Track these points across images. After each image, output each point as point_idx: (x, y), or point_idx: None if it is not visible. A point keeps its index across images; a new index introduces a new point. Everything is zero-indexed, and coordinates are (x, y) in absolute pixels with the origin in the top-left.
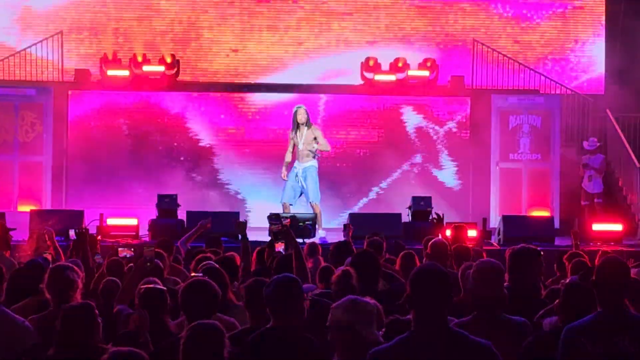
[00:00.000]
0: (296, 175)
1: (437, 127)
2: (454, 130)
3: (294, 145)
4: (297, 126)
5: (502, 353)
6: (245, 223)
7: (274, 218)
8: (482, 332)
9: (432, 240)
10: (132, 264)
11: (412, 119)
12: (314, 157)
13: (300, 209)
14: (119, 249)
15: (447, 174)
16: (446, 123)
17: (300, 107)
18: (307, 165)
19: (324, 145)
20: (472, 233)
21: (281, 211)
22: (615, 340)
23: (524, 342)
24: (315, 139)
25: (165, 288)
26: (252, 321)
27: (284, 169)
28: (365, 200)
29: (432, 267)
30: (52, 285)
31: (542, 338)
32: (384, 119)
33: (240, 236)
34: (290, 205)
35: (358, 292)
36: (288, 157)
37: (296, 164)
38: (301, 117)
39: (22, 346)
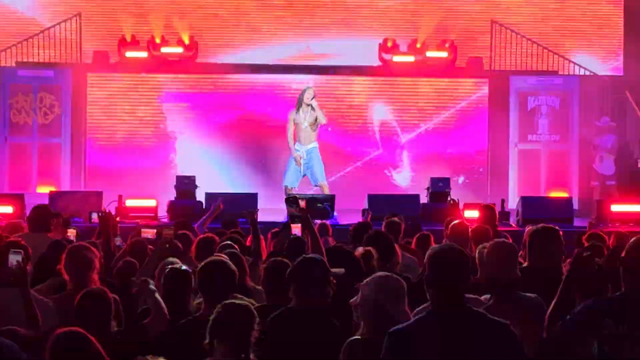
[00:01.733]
0: (301, 158)
1: (455, 108)
2: (473, 111)
3: (295, 125)
4: (300, 106)
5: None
6: (253, 212)
7: (291, 201)
8: (496, 312)
9: (452, 223)
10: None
11: (429, 99)
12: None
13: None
14: (142, 229)
15: (465, 155)
16: (464, 104)
17: (308, 87)
18: (310, 147)
19: (322, 118)
20: None
21: (283, 195)
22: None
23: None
24: (316, 119)
25: (189, 269)
26: (269, 300)
27: (294, 152)
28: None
29: (450, 247)
30: (69, 266)
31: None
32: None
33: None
34: (293, 188)
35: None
36: (292, 140)
37: (297, 146)
38: (308, 95)
39: (46, 326)
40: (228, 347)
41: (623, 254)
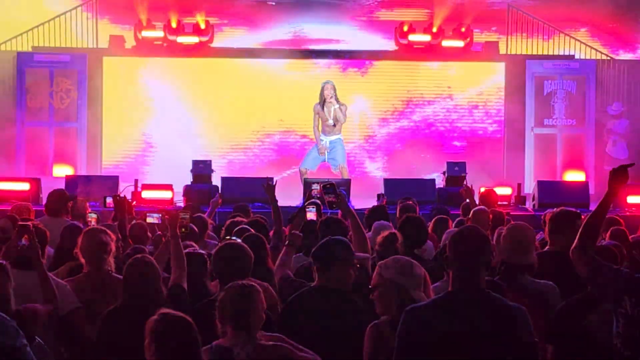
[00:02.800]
0: (323, 147)
1: (471, 92)
2: (489, 95)
3: (320, 119)
4: (324, 101)
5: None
6: (273, 186)
7: (328, 188)
8: (508, 296)
9: (475, 209)
10: (159, 232)
11: (445, 83)
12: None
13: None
14: (147, 214)
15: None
16: (480, 88)
17: (327, 82)
18: (335, 138)
19: (342, 118)
20: (506, 191)
21: (300, 177)
22: None
23: (557, 308)
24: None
25: (205, 252)
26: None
27: (319, 143)
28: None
29: (473, 229)
30: (85, 249)
31: (571, 304)
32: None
33: (270, 199)
34: (308, 170)
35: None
36: (316, 128)
37: (322, 136)
38: (328, 92)
39: (64, 309)
40: (233, 329)
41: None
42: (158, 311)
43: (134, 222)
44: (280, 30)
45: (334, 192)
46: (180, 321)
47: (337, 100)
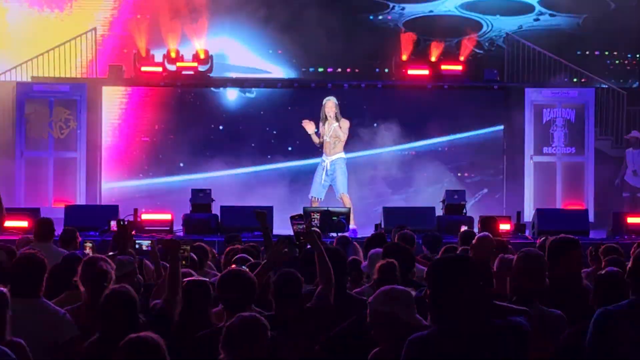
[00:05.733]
0: (324, 169)
1: (470, 120)
2: (488, 124)
3: (322, 135)
4: (325, 118)
5: (536, 345)
6: (265, 213)
7: (297, 218)
8: None
9: (478, 235)
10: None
11: (444, 110)
12: (340, 147)
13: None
14: (136, 240)
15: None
16: (479, 116)
17: (329, 99)
18: (335, 158)
19: (341, 134)
20: (505, 227)
21: (310, 205)
22: None
23: (563, 334)
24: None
25: (207, 280)
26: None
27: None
28: (400, 196)
29: (457, 256)
30: (85, 278)
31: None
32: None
33: (260, 227)
34: (319, 199)
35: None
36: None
37: (324, 157)
38: (329, 109)
39: (62, 337)
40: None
41: (630, 263)
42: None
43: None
44: None
45: (303, 222)
46: (147, 342)
47: (337, 117)
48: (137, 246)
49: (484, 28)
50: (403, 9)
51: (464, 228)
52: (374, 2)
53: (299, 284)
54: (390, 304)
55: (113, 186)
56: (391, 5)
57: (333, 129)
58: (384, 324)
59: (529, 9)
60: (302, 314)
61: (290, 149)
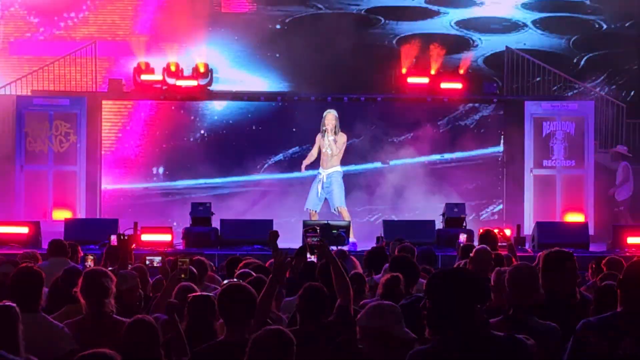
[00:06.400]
0: (320, 182)
1: (469, 134)
2: (487, 137)
3: (319, 147)
4: (325, 130)
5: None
6: (277, 233)
7: (310, 231)
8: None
9: (477, 248)
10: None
11: (443, 124)
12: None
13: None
14: (147, 257)
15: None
16: (478, 129)
17: (329, 111)
18: (331, 172)
19: (334, 149)
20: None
21: (308, 218)
22: (623, 340)
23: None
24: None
25: (210, 294)
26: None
27: (305, 161)
28: (399, 209)
29: (455, 270)
30: (86, 291)
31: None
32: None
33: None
34: (315, 211)
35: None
36: (312, 154)
37: (320, 169)
38: (328, 122)
39: (60, 351)
40: None
41: (621, 275)
42: None
43: (135, 265)
44: None
45: (317, 234)
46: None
47: (335, 131)
48: (147, 262)
49: (478, 45)
50: (397, 24)
51: (462, 236)
52: (367, 17)
53: (325, 298)
54: (379, 319)
55: (113, 199)
56: (383, 20)
57: (328, 142)
58: (374, 338)
59: (522, 26)
60: (323, 329)
61: (282, 158)
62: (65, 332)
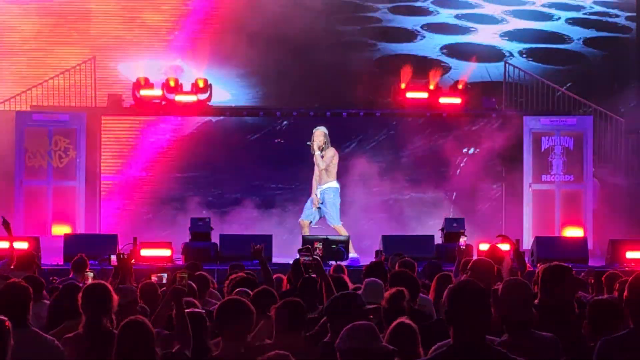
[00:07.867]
0: (315, 197)
1: (468, 149)
2: (486, 152)
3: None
4: (309, 145)
5: None
6: (261, 249)
7: (304, 250)
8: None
9: (474, 260)
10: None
11: (442, 139)
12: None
13: (315, 231)
14: (152, 275)
15: (480, 195)
16: (478, 145)
17: (317, 128)
18: (325, 188)
19: (321, 164)
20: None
21: (301, 230)
22: None
23: None
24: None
25: (204, 311)
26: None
27: (313, 190)
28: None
29: (469, 282)
30: (85, 306)
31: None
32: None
33: (258, 262)
34: (310, 223)
35: (407, 312)
36: (315, 174)
37: (317, 186)
38: (316, 138)
39: None
40: None
41: (625, 292)
42: None
43: (145, 282)
44: None
45: (311, 253)
46: None
47: (322, 147)
48: (155, 279)
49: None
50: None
51: (462, 239)
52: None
53: (303, 312)
54: (353, 339)
55: (113, 214)
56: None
57: (316, 157)
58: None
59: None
60: (306, 343)
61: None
62: (56, 346)
